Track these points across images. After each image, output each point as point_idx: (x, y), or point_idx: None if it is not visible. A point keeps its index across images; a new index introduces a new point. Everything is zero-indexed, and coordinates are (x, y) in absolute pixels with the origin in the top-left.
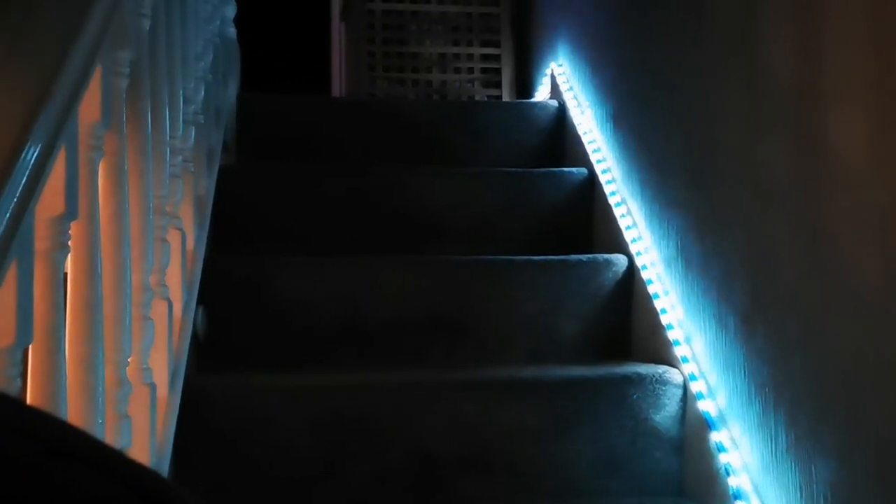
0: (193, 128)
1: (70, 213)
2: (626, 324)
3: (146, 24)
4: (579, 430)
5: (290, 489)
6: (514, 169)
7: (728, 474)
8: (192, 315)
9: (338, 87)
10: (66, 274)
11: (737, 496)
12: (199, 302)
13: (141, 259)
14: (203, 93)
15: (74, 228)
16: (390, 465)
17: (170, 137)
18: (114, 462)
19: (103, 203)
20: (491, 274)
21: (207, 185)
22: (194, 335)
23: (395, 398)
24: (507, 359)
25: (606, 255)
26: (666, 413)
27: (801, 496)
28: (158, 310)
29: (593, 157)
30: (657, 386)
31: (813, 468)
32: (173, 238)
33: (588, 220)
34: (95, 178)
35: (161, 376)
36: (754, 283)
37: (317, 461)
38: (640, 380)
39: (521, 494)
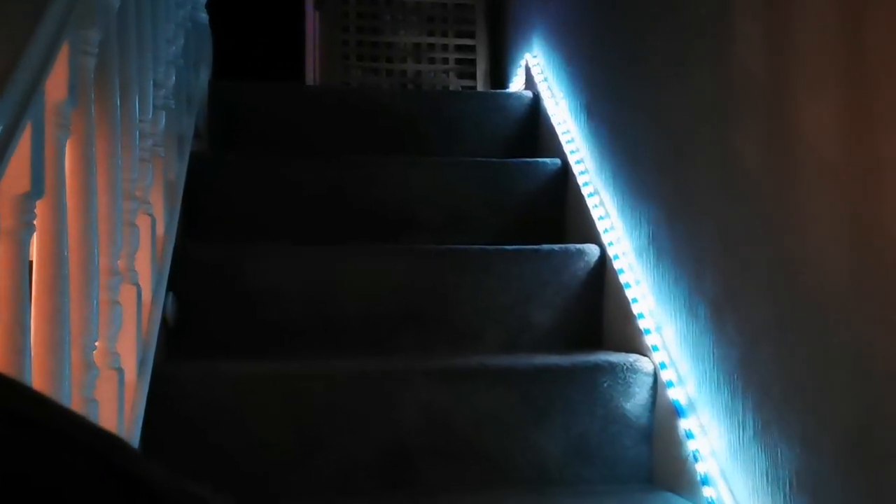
0: (164, 112)
1: (35, 191)
2: (599, 313)
3: (115, 3)
4: (551, 418)
5: (261, 477)
6: (488, 159)
7: (696, 461)
8: (161, 301)
9: (311, 75)
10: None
11: (704, 482)
12: (169, 289)
13: (109, 242)
14: (174, 77)
15: (40, 208)
16: (362, 452)
17: (139, 121)
18: (80, 432)
19: (70, 183)
20: (464, 263)
21: (178, 172)
22: (164, 322)
23: (367, 386)
24: (480, 348)
25: (579, 245)
26: (636, 401)
27: (767, 481)
28: (127, 294)
29: (567, 148)
30: (628, 374)
31: (779, 453)
32: (143, 223)
33: (561, 210)
34: (62, 156)
35: (129, 361)
36: (724, 273)
37: (288, 449)
38: (611, 368)
39: (492, 482)
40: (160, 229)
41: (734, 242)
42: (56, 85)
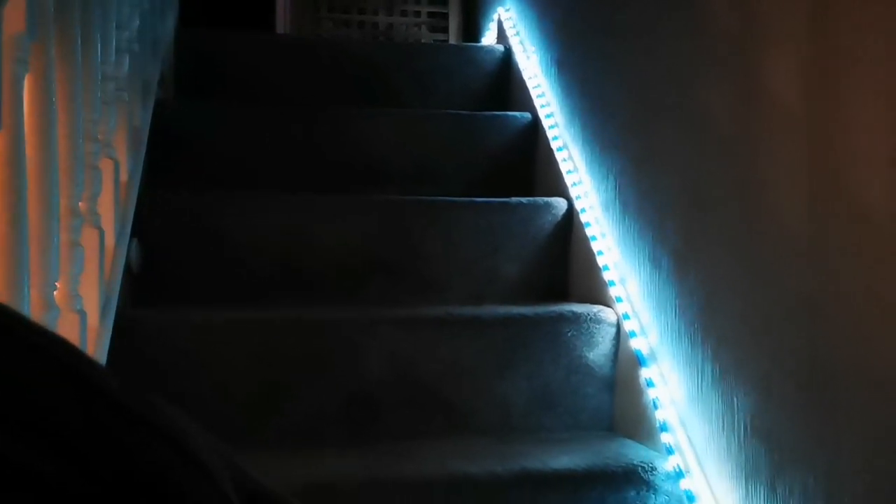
0: (127, 56)
1: None
2: (565, 265)
3: None
4: (515, 368)
5: (227, 424)
6: (458, 112)
7: (656, 408)
8: (125, 246)
9: (282, 26)
10: None
11: (663, 429)
12: (133, 235)
13: (69, 183)
14: (138, 21)
15: None
16: (327, 401)
17: (101, 63)
18: (40, 336)
19: (28, 120)
20: (432, 215)
21: (143, 118)
22: (128, 268)
23: (332, 335)
24: (447, 299)
25: (547, 199)
26: (599, 351)
27: (724, 426)
28: (89, 237)
29: (537, 102)
30: (591, 325)
31: (735, 399)
32: (105, 166)
33: (531, 163)
34: (20, 90)
35: (91, 305)
36: (688, 224)
37: (253, 396)
38: (575, 318)
39: (457, 429)
40: (124, 174)
41: (698, 195)
42: (13, 16)
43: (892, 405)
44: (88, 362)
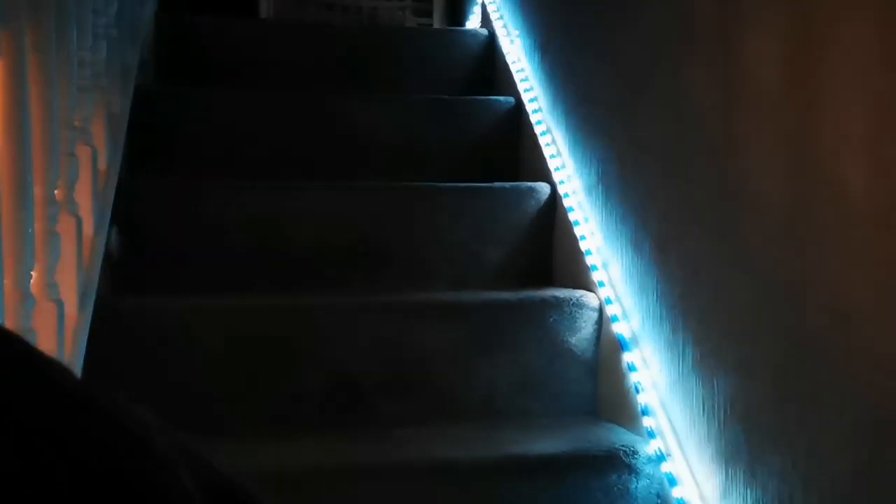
0: (105, 42)
1: None
2: (549, 251)
3: None
4: (498, 353)
5: (207, 412)
6: (441, 96)
7: (638, 392)
8: (104, 234)
9: (265, 9)
10: None
11: (645, 412)
12: (113, 223)
13: (45, 170)
14: (116, 6)
15: None
16: (311, 387)
17: (78, 49)
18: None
19: (0, 107)
20: (416, 200)
21: (122, 104)
22: (108, 256)
23: (316, 320)
24: (431, 285)
25: (530, 183)
26: (582, 335)
27: (704, 409)
28: (66, 225)
29: (521, 87)
30: (574, 309)
31: (715, 383)
32: (83, 153)
33: (514, 148)
34: None
35: (70, 294)
36: (669, 208)
37: (235, 383)
38: (558, 304)
39: (440, 414)
40: (102, 162)
41: (680, 178)
42: None
43: (870, 388)
44: (43, 358)
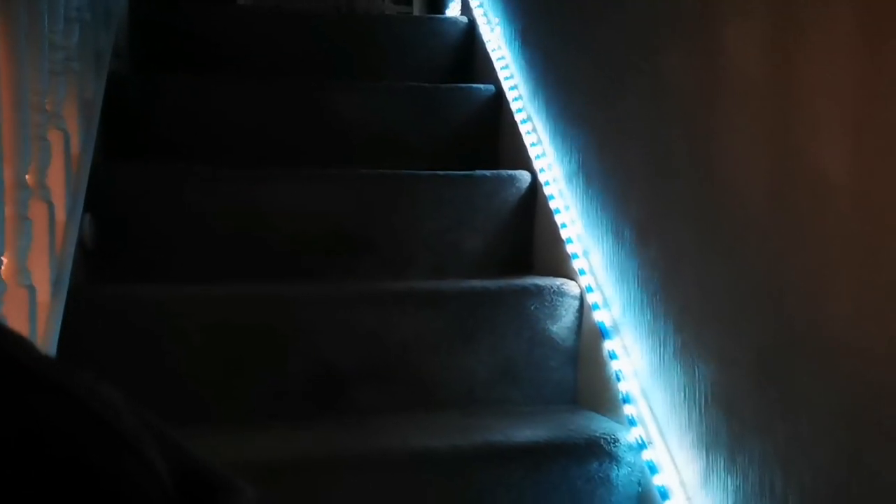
0: (78, 25)
1: None
2: (529, 239)
3: None
4: (479, 341)
5: (184, 401)
6: (421, 84)
7: (619, 380)
8: (78, 221)
9: None
10: None
11: (626, 400)
12: (88, 210)
13: (15, 154)
14: None
15: None
16: (290, 377)
17: (50, 32)
18: None
19: None
20: (395, 189)
21: (95, 89)
22: (83, 243)
23: (296, 309)
24: (411, 273)
25: (510, 172)
26: (563, 324)
27: (685, 396)
28: (38, 211)
29: (501, 75)
30: (555, 297)
31: (696, 370)
32: (55, 138)
33: (494, 136)
34: None
35: (42, 280)
36: (650, 196)
37: (212, 373)
38: (538, 292)
39: (421, 403)
40: (75, 147)
41: (661, 167)
42: None
43: (849, 378)
44: (9, 336)
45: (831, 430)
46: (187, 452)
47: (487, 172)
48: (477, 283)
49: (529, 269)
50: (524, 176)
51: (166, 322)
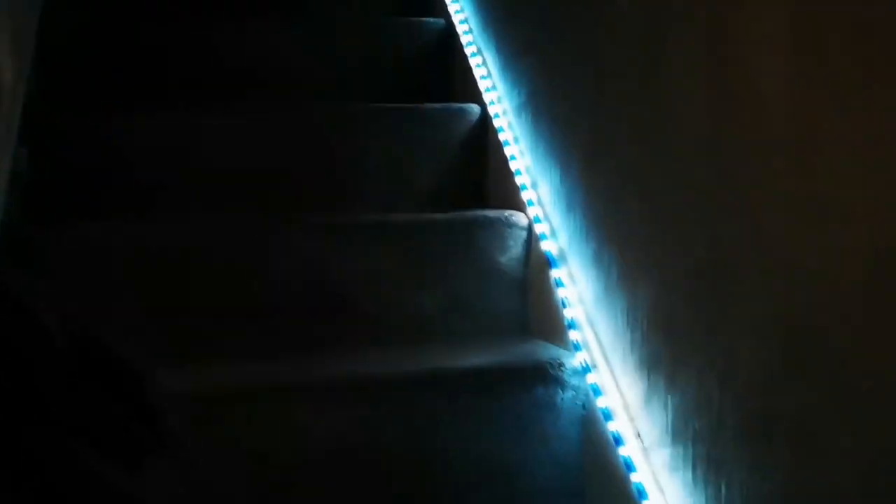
0: None
1: None
2: (480, 172)
3: None
4: (428, 274)
5: (124, 338)
6: (369, 18)
7: (564, 307)
8: (10, 153)
9: None
10: None
11: (571, 326)
12: (22, 144)
13: None
14: None
15: None
16: (235, 310)
17: None
18: None
19: None
20: (344, 122)
21: (29, 18)
22: (17, 177)
23: (240, 241)
24: (360, 208)
25: (461, 105)
26: (512, 254)
27: (627, 319)
28: None
29: (451, 9)
30: (504, 229)
31: (638, 295)
32: None
33: (445, 71)
34: None
35: None
36: (598, 123)
37: (148, 307)
38: (487, 223)
39: (370, 335)
40: (7, 78)
41: (608, 94)
42: None
43: (783, 291)
44: None
45: (765, 341)
46: (104, 341)
47: (437, 105)
48: (427, 216)
49: (482, 203)
50: (473, 109)
51: (101, 257)
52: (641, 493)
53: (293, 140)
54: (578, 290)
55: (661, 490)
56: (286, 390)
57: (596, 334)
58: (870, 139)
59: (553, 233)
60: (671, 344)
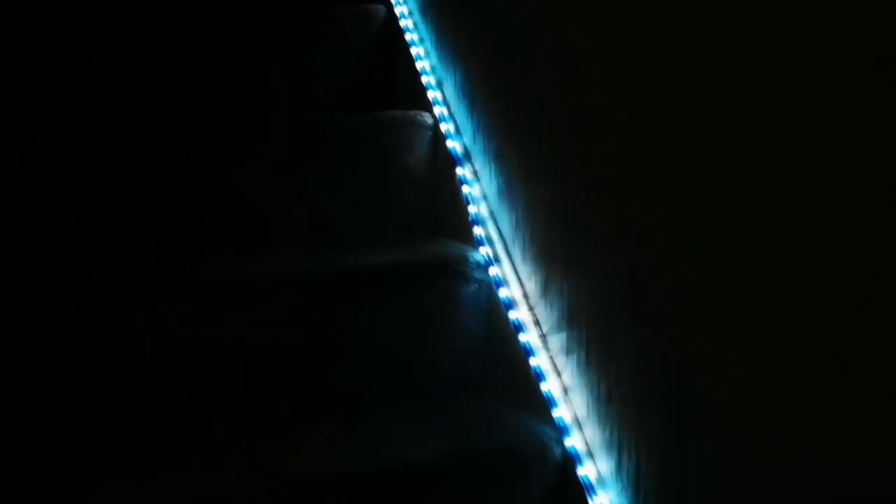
0: None
1: None
2: (392, 73)
3: None
4: (334, 178)
5: None
6: None
7: (468, 203)
8: None
9: None
10: None
11: (475, 222)
12: None
13: None
14: None
15: None
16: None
17: None
18: None
19: None
20: (246, 26)
21: None
22: None
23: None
24: (268, 113)
25: (365, 5)
26: (418, 154)
27: (525, 210)
28: None
29: None
30: (410, 129)
31: (534, 191)
32: None
33: None
34: None
35: None
36: (506, 17)
37: None
38: (393, 124)
39: (271, 241)
40: None
41: None
42: None
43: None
44: None
45: (658, 217)
46: None
47: (338, 6)
48: (332, 118)
49: (394, 104)
50: (379, 9)
51: None
52: (540, 376)
53: (193, 41)
54: (482, 186)
55: (558, 372)
56: (171, 295)
57: (499, 229)
58: None
59: (458, 131)
60: (567, 234)
